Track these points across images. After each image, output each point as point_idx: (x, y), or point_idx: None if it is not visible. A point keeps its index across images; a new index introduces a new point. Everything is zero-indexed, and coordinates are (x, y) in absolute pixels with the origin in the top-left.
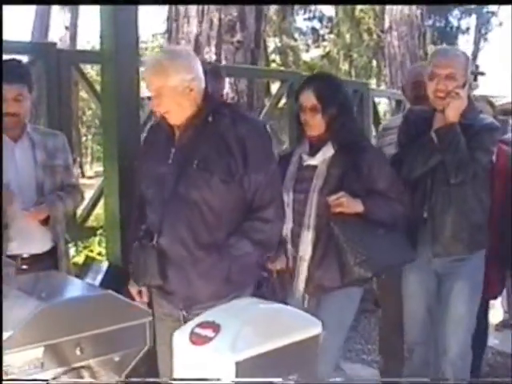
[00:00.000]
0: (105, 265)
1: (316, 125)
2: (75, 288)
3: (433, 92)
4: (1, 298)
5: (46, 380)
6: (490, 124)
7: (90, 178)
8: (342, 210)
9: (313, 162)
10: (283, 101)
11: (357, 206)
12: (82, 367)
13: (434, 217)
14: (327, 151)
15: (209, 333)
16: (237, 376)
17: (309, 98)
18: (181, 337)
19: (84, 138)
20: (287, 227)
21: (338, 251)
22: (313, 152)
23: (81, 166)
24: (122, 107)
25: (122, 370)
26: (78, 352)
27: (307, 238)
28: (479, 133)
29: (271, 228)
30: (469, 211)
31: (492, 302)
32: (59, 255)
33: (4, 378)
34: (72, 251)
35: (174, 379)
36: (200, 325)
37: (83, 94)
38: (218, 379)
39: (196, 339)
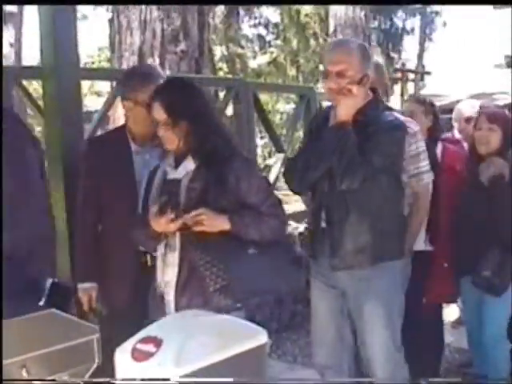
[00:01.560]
0: (48, 282)
1: (170, 139)
2: (19, 308)
3: (326, 90)
4: (1, 296)
5: (47, 380)
6: (391, 122)
7: None
8: (203, 229)
9: (176, 175)
10: (230, 107)
11: (221, 224)
12: None
13: (332, 226)
14: (189, 164)
15: (150, 348)
16: None
17: (158, 112)
18: (122, 354)
19: None
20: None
21: (199, 276)
22: (176, 165)
23: None
24: (64, 122)
25: None
26: (24, 373)
27: (172, 261)
28: (377, 132)
29: None
30: (371, 219)
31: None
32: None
33: None
34: None
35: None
36: (141, 340)
37: (30, 111)
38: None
39: (138, 355)
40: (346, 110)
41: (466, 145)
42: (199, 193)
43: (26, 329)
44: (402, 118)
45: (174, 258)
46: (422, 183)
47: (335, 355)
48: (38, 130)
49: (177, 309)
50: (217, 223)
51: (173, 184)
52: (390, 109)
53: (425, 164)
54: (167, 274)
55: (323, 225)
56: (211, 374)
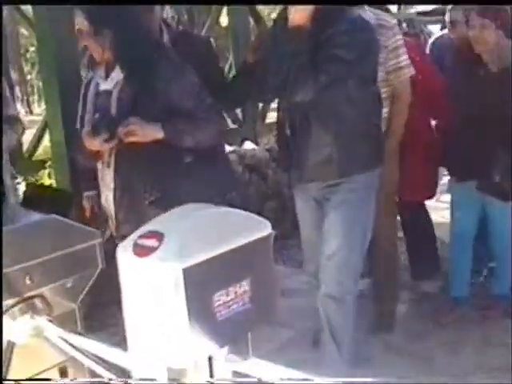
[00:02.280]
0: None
1: (94, 48)
2: (19, 217)
3: None
4: (1, 296)
5: (48, 380)
6: (353, 21)
7: (39, 115)
8: (135, 140)
9: (106, 86)
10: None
11: (154, 133)
12: (34, 297)
13: (295, 138)
14: (117, 74)
15: (152, 242)
16: (185, 284)
17: (81, 22)
18: (124, 250)
19: (29, 76)
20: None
21: (134, 190)
22: (106, 75)
23: (28, 104)
24: (59, 40)
25: (77, 296)
26: (27, 281)
27: (109, 178)
28: (334, 35)
29: None
30: (334, 130)
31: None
32: (6, 189)
33: None
34: (22, 186)
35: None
36: (142, 235)
37: (24, 31)
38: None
39: (140, 251)
40: (298, 13)
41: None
42: (129, 103)
43: (28, 235)
44: (371, 14)
45: (110, 174)
46: (402, 79)
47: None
48: (32, 49)
49: (117, 225)
50: (149, 132)
51: (105, 95)
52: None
53: (404, 58)
54: (105, 191)
55: (288, 135)
56: (215, 267)
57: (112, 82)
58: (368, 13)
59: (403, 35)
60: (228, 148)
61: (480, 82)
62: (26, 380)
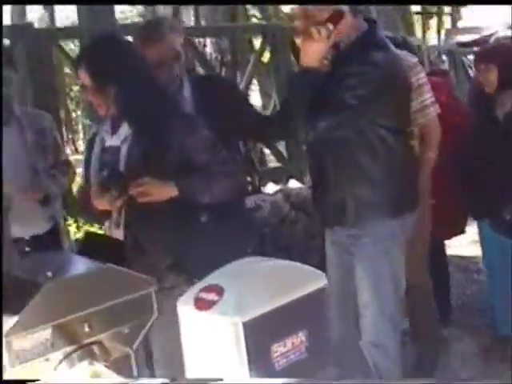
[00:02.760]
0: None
1: (99, 105)
2: (77, 265)
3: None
4: (1, 295)
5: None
6: (368, 59)
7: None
8: (149, 200)
9: (113, 142)
10: (266, 54)
11: (169, 191)
12: (92, 343)
13: (315, 179)
14: (125, 129)
15: (213, 296)
16: (245, 336)
17: (84, 77)
18: (185, 304)
19: (74, 114)
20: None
21: (147, 253)
22: (113, 131)
23: (73, 143)
24: None
25: (132, 342)
26: (86, 328)
27: (119, 237)
28: (348, 74)
29: None
30: (349, 173)
31: None
32: (60, 234)
33: (16, 361)
34: (73, 228)
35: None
36: (203, 289)
37: (68, 70)
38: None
39: (201, 304)
40: (307, 56)
41: None
42: (140, 159)
43: (86, 284)
44: (395, 53)
45: (119, 235)
46: (428, 118)
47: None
48: (75, 89)
49: None
50: (164, 191)
51: (112, 151)
52: (396, 43)
53: (428, 96)
54: None
55: (311, 177)
56: (273, 319)
57: (119, 138)
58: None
59: (428, 74)
60: (274, 186)
61: (492, 121)
62: (27, 380)
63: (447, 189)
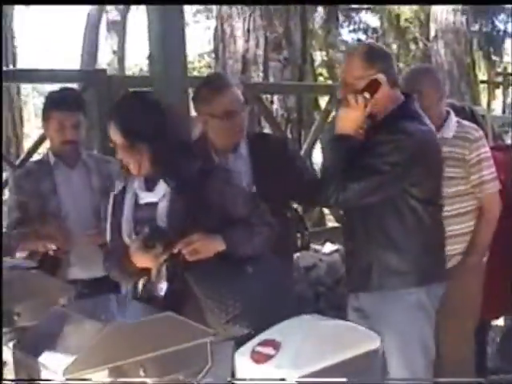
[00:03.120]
0: (164, 286)
1: (131, 163)
2: (135, 310)
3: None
4: (0, 296)
5: (48, 380)
6: (402, 128)
7: None
8: (200, 257)
9: (151, 198)
10: (332, 114)
11: (217, 246)
12: None
13: (348, 247)
14: (163, 186)
15: (270, 350)
16: None
17: (114, 134)
18: (242, 356)
19: None
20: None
21: (200, 309)
22: (150, 186)
23: None
24: None
25: None
26: (141, 373)
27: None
28: (380, 143)
29: None
30: (376, 239)
31: None
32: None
33: None
34: None
35: None
36: (261, 343)
37: None
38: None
39: (257, 357)
40: (343, 123)
41: None
42: (181, 215)
43: (144, 330)
44: (456, 124)
45: (160, 291)
46: (487, 193)
47: None
48: None
49: None
50: (212, 246)
51: (148, 208)
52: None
53: (488, 172)
54: None
55: (345, 242)
56: (327, 376)
57: (158, 194)
58: (452, 123)
59: (492, 149)
60: (332, 246)
61: None
62: (26, 380)
63: (499, 268)
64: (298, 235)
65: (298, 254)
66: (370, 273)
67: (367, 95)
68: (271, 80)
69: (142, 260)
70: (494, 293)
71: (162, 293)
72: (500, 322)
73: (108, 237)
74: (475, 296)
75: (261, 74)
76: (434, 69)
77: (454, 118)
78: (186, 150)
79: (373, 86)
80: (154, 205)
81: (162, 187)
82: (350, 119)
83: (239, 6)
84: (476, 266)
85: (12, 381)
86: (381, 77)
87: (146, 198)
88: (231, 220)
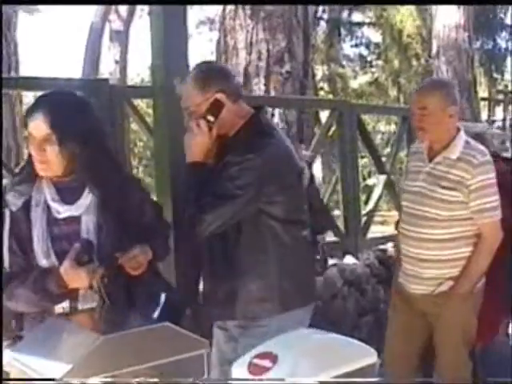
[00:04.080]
0: (162, 297)
1: (52, 161)
2: (133, 320)
3: None
4: (1, 295)
5: (47, 379)
6: (247, 147)
7: None
8: (141, 271)
9: (72, 212)
10: (333, 128)
11: (148, 256)
12: None
13: (205, 272)
14: (86, 196)
15: (267, 363)
16: None
17: (38, 126)
18: (239, 368)
19: (135, 170)
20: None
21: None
22: (67, 198)
23: None
24: (174, 139)
25: None
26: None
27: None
28: (227, 164)
29: None
30: (238, 267)
31: None
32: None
33: None
34: None
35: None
36: (258, 355)
37: (134, 125)
38: None
39: (254, 369)
40: (190, 150)
41: None
42: (113, 228)
43: (141, 340)
44: (463, 145)
45: (90, 313)
46: (486, 222)
47: None
48: (139, 144)
49: None
50: (147, 257)
51: (68, 223)
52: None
53: (489, 200)
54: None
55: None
56: None
57: (80, 207)
58: (460, 143)
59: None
60: (330, 260)
61: None
62: (26, 380)
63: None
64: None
65: None
66: (232, 301)
67: (211, 118)
68: (272, 93)
69: (75, 278)
70: (485, 319)
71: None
72: None
73: (5, 262)
74: (468, 321)
75: (262, 87)
76: (446, 84)
77: (462, 138)
78: (111, 158)
79: (215, 107)
80: (75, 219)
81: (84, 199)
82: (197, 146)
83: (242, 19)
84: (468, 292)
85: (12, 380)
86: (221, 96)
87: (65, 212)
88: (147, 230)
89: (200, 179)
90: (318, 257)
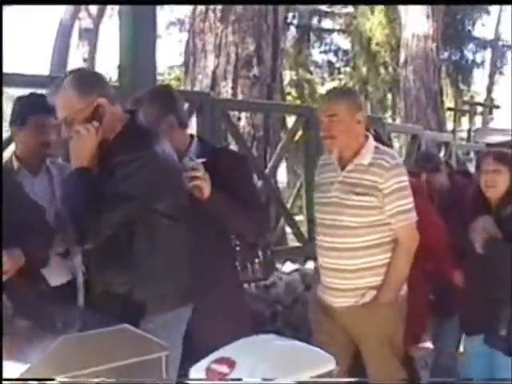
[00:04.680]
0: None
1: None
2: (92, 321)
3: None
4: (1, 299)
5: (46, 380)
6: (128, 150)
7: None
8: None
9: None
10: (299, 134)
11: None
12: None
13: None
14: None
15: (224, 369)
16: None
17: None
18: (197, 372)
19: None
20: None
21: None
22: None
23: None
24: None
25: None
26: None
27: None
28: (109, 173)
29: None
30: (137, 266)
31: None
32: (77, 288)
33: None
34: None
35: None
36: (216, 361)
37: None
38: None
39: (212, 375)
40: (77, 156)
41: None
42: None
43: (100, 342)
44: (374, 150)
45: None
46: (402, 225)
47: None
48: None
49: None
50: (15, 263)
51: None
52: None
53: (403, 203)
54: None
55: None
56: None
57: None
58: (370, 148)
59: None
60: (292, 265)
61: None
62: (26, 380)
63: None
64: (249, 265)
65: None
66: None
67: (96, 123)
68: (240, 97)
69: None
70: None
71: None
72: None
73: None
74: (394, 330)
75: (230, 91)
76: (352, 92)
77: (372, 144)
78: None
79: (98, 112)
80: None
81: None
82: (86, 151)
83: (212, 21)
84: (391, 300)
85: (12, 380)
86: (102, 101)
87: None
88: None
89: (89, 183)
90: (257, 260)
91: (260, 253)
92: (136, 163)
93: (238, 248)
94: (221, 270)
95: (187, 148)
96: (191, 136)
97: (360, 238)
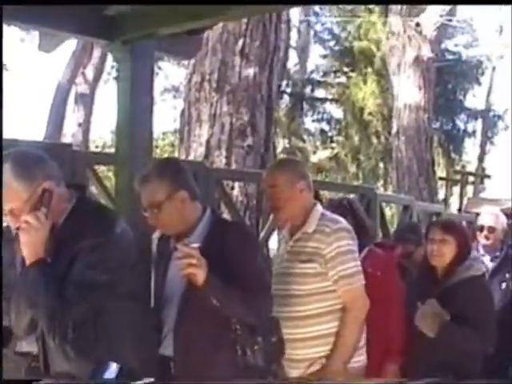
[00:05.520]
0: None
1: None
2: None
3: None
4: (1, 299)
5: (47, 380)
6: (85, 229)
7: None
8: None
9: None
10: None
11: None
12: None
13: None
14: None
15: None
16: None
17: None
18: None
19: None
20: None
21: None
22: None
23: None
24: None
25: None
26: None
27: None
28: (62, 261)
29: None
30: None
31: None
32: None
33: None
34: None
35: None
36: None
37: (93, 189)
38: None
39: None
40: (29, 250)
41: None
42: None
43: None
44: (319, 217)
45: None
46: (345, 289)
47: None
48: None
49: None
50: None
51: None
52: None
53: (346, 267)
54: None
55: None
56: None
57: None
58: (316, 216)
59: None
60: None
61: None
62: (26, 380)
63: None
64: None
65: None
66: None
67: (44, 210)
68: (233, 166)
69: None
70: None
71: None
72: None
73: None
74: None
75: (224, 160)
76: (294, 162)
77: (319, 211)
78: None
79: (46, 197)
80: None
81: None
82: (39, 241)
83: (207, 91)
84: (342, 369)
85: (12, 381)
86: (48, 184)
87: None
88: None
89: (50, 275)
90: (256, 347)
91: (259, 339)
92: (101, 248)
93: (238, 332)
94: (215, 353)
95: (198, 220)
96: (204, 208)
97: (306, 306)
